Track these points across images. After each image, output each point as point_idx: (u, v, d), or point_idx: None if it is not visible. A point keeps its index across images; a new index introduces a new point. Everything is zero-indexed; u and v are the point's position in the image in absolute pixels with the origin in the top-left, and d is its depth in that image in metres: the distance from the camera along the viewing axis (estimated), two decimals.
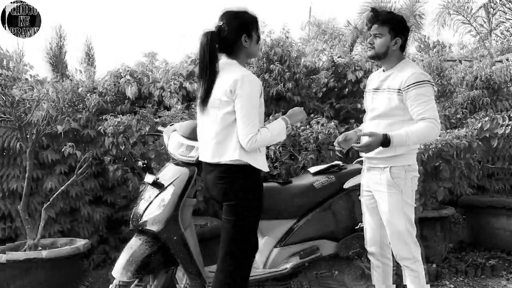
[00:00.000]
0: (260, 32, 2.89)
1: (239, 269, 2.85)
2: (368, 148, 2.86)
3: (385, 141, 2.81)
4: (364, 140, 2.91)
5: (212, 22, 2.81)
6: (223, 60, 2.79)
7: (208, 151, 2.80)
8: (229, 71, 2.72)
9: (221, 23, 2.76)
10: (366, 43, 3.14)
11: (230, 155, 2.71)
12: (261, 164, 2.80)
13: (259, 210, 2.84)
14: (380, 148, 2.89)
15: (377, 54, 3.02)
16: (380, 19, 2.99)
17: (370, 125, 3.06)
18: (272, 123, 2.83)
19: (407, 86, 2.87)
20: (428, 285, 3.10)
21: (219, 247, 2.89)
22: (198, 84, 2.86)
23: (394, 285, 3.35)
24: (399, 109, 2.94)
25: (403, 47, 3.05)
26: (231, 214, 2.78)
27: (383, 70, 3.10)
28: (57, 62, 14.10)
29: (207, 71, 2.73)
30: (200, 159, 2.94)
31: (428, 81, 2.91)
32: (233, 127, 2.70)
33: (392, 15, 3.08)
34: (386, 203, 3.00)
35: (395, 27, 2.98)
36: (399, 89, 2.91)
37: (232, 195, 2.75)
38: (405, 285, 3.13)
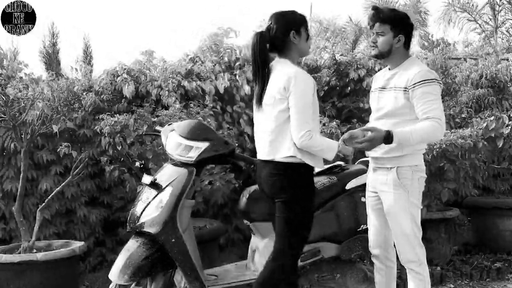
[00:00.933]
0: (309, 31, 2.96)
1: (288, 264, 2.93)
2: (371, 143, 2.78)
3: (388, 137, 2.75)
4: (367, 135, 2.84)
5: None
6: (276, 59, 2.89)
7: (264, 149, 2.91)
8: (282, 69, 2.82)
9: (270, 23, 2.88)
10: (369, 41, 3.10)
11: (284, 152, 2.80)
12: (316, 161, 2.86)
13: (310, 207, 2.92)
14: (386, 147, 2.85)
15: (381, 53, 2.98)
16: (381, 17, 2.94)
17: (376, 125, 2.99)
18: (327, 139, 2.91)
19: (414, 84, 2.82)
20: None
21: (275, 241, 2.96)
22: (253, 83, 2.95)
23: None
24: (406, 108, 2.88)
25: (407, 45, 3.01)
26: (283, 210, 2.86)
27: (389, 69, 3.05)
28: (51, 60, 14.10)
29: (260, 70, 2.85)
30: (258, 157, 3.01)
31: (435, 79, 2.86)
32: (287, 124, 2.78)
33: (394, 12, 3.03)
34: (392, 203, 2.94)
35: (397, 24, 2.94)
36: (406, 88, 2.86)
37: (283, 191, 2.83)
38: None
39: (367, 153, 3.11)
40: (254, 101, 2.96)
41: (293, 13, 2.91)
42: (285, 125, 2.79)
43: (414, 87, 2.82)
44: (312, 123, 2.77)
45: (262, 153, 2.94)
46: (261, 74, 2.85)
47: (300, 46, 2.90)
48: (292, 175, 2.83)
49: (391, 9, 3.13)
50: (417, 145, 2.93)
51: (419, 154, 3.00)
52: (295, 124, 2.73)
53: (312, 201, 2.93)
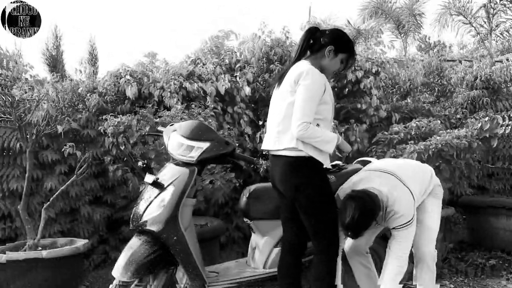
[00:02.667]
0: (349, 64, 3.08)
1: (335, 257, 3.01)
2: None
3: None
4: None
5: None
6: (304, 58, 2.99)
7: (270, 138, 2.98)
8: (300, 64, 2.92)
9: (327, 29, 3.04)
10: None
11: (287, 143, 2.85)
12: (322, 157, 2.89)
13: (330, 199, 2.96)
14: None
15: None
16: None
17: None
18: (327, 131, 2.94)
19: None
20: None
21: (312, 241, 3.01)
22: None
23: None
24: None
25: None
26: (304, 212, 2.93)
27: None
28: (54, 62, 14.07)
29: (295, 56, 3.00)
30: (262, 147, 3.07)
31: None
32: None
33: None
34: None
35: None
36: None
37: (300, 192, 2.88)
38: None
39: None
40: (276, 79, 3.07)
41: (347, 40, 3.03)
42: (292, 117, 2.85)
43: None
44: (311, 116, 2.80)
45: (268, 143, 3.00)
46: (294, 59, 2.99)
47: (326, 62, 2.99)
48: (303, 172, 2.87)
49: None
50: None
51: None
52: (295, 114, 2.80)
53: (329, 189, 2.96)
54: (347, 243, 3.30)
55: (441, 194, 3.34)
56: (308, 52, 3.03)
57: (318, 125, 2.86)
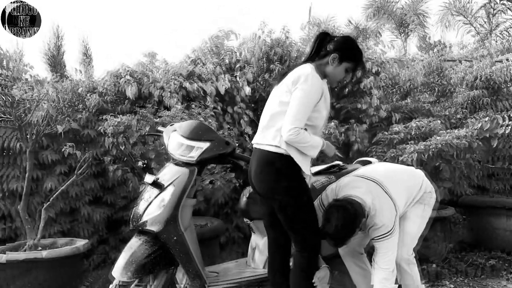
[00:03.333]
0: (353, 74, 3.03)
1: (311, 256, 2.96)
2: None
3: None
4: None
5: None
6: (308, 62, 2.96)
7: (258, 133, 2.99)
8: (302, 67, 2.89)
9: (337, 35, 3.01)
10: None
11: (269, 140, 2.85)
12: (303, 161, 2.85)
13: (308, 198, 2.91)
14: None
15: None
16: None
17: None
18: (316, 136, 2.90)
19: None
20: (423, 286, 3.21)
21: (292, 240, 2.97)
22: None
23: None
24: None
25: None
26: (281, 211, 2.89)
27: None
28: (55, 62, 14.04)
29: (304, 59, 2.99)
30: (252, 141, 3.05)
31: None
32: (281, 116, 2.82)
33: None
34: None
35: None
36: None
37: (277, 192, 2.85)
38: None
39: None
40: (278, 78, 3.04)
41: (355, 48, 2.99)
42: (280, 116, 2.83)
43: None
44: (302, 122, 2.78)
45: (256, 136, 2.99)
46: (303, 61, 2.98)
47: (330, 69, 2.96)
48: (278, 169, 2.83)
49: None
50: None
51: None
52: (287, 117, 2.78)
53: (305, 189, 2.91)
54: None
55: (432, 201, 3.30)
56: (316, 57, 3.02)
57: (306, 129, 2.82)
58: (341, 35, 2.98)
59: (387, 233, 2.94)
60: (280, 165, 2.83)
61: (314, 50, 2.97)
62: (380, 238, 2.95)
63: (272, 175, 2.84)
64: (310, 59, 2.97)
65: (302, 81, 2.79)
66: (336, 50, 2.92)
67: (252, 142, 3.04)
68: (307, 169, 2.90)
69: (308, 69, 2.86)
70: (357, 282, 3.33)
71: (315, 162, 4.57)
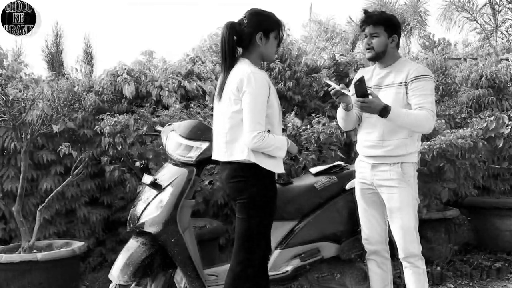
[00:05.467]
0: (281, 37, 2.91)
1: (251, 265, 2.84)
2: (368, 106, 2.85)
3: (385, 110, 2.84)
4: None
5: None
6: (239, 58, 2.83)
7: (219, 149, 2.85)
8: (238, 69, 2.77)
9: (243, 17, 2.83)
10: (363, 45, 3.16)
11: (238, 155, 2.73)
12: (271, 165, 2.77)
13: (270, 210, 2.83)
14: (392, 145, 2.98)
15: (377, 54, 3.06)
16: (374, 19, 3.04)
17: (371, 121, 3.05)
18: (277, 136, 2.80)
19: (412, 78, 2.94)
20: (427, 284, 3.13)
21: (234, 245, 2.89)
22: (221, 73, 2.90)
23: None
24: (406, 103, 2.98)
25: (398, 45, 3.14)
26: (242, 212, 2.79)
27: (379, 68, 3.13)
28: (53, 60, 14.02)
29: (226, 60, 2.80)
30: (213, 157, 2.95)
31: (431, 76, 3.02)
32: (241, 126, 2.70)
33: (384, 14, 3.15)
34: (398, 198, 3.01)
35: (389, 25, 3.05)
36: (405, 82, 2.97)
37: (243, 193, 2.76)
38: (404, 285, 3.15)
39: (363, 152, 3.15)
40: (216, 93, 2.89)
41: (268, 16, 2.85)
42: (239, 126, 2.72)
43: (412, 80, 2.94)
44: (263, 124, 2.68)
45: (218, 154, 2.86)
46: (227, 65, 2.79)
47: (263, 49, 2.83)
48: (250, 177, 2.75)
49: (381, 11, 3.26)
50: (417, 144, 3.06)
51: (417, 152, 3.11)
52: (246, 125, 2.66)
53: (272, 203, 2.83)
54: (367, 244, 3.27)
55: None
56: (241, 50, 2.86)
57: (269, 131, 2.74)
58: (244, 16, 2.81)
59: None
60: (254, 174, 2.74)
61: (230, 47, 2.77)
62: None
63: (243, 182, 2.76)
64: (229, 59, 2.79)
65: (246, 83, 2.66)
66: (257, 28, 2.78)
67: (214, 157, 2.92)
68: (281, 168, 2.84)
69: (245, 67, 2.73)
70: (373, 282, 3.28)
71: (315, 163, 4.54)
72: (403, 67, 3.01)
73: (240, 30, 2.79)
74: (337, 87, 2.97)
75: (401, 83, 2.98)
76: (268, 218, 2.84)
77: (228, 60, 2.79)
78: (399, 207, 3.01)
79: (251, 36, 2.79)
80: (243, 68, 2.73)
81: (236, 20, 2.83)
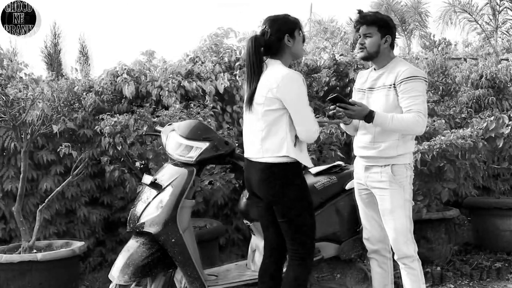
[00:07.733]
0: (303, 32, 2.99)
1: (309, 263, 2.93)
2: (354, 113, 2.90)
3: (370, 116, 2.88)
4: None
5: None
6: (268, 60, 2.88)
7: (253, 147, 2.88)
8: (274, 69, 2.82)
9: (265, 26, 2.88)
10: (357, 45, 3.17)
11: (276, 152, 2.78)
12: (306, 159, 2.87)
13: (309, 202, 2.89)
14: (382, 146, 2.99)
15: (370, 54, 3.07)
16: (368, 19, 3.05)
17: (365, 123, 3.04)
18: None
19: (401, 79, 2.94)
20: (425, 285, 3.12)
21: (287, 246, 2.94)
22: (246, 85, 2.94)
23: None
24: (396, 106, 2.99)
25: (392, 45, 3.13)
26: (283, 214, 2.85)
27: (374, 69, 3.15)
28: (52, 60, 14.02)
29: (254, 73, 2.84)
30: (245, 155, 2.98)
31: (422, 77, 3.00)
32: (277, 124, 2.78)
33: (378, 15, 3.16)
34: (389, 200, 3.02)
35: (383, 25, 3.05)
36: (394, 84, 2.97)
37: (279, 195, 2.81)
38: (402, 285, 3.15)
39: (360, 152, 3.16)
40: (245, 103, 2.94)
41: (285, 17, 2.92)
42: (276, 124, 2.78)
43: (401, 82, 2.94)
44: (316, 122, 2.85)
45: (251, 151, 2.90)
46: (256, 77, 2.84)
47: (293, 49, 2.90)
48: (283, 176, 2.80)
49: (376, 11, 3.26)
50: (410, 145, 3.06)
51: (410, 154, 3.10)
52: (306, 120, 2.77)
53: (308, 195, 2.89)
54: (368, 243, 3.27)
55: None
56: (268, 59, 2.89)
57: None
58: (265, 26, 2.88)
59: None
60: (286, 174, 2.81)
61: (258, 60, 2.84)
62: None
63: (278, 183, 2.81)
64: (258, 71, 2.84)
65: (287, 82, 2.74)
66: (282, 34, 2.85)
67: (246, 156, 2.97)
68: (309, 162, 2.93)
69: (280, 69, 2.80)
70: (375, 280, 3.28)
71: (316, 163, 4.54)
72: (394, 68, 3.02)
73: (267, 40, 2.85)
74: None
75: (390, 85, 2.98)
76: (310, 212, 2.91)
77: (257, 73, 2.84)
78: (390, 209, 3.01)
79: (280, 41, 2.85)
80: (278, 70, 2.80)
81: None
